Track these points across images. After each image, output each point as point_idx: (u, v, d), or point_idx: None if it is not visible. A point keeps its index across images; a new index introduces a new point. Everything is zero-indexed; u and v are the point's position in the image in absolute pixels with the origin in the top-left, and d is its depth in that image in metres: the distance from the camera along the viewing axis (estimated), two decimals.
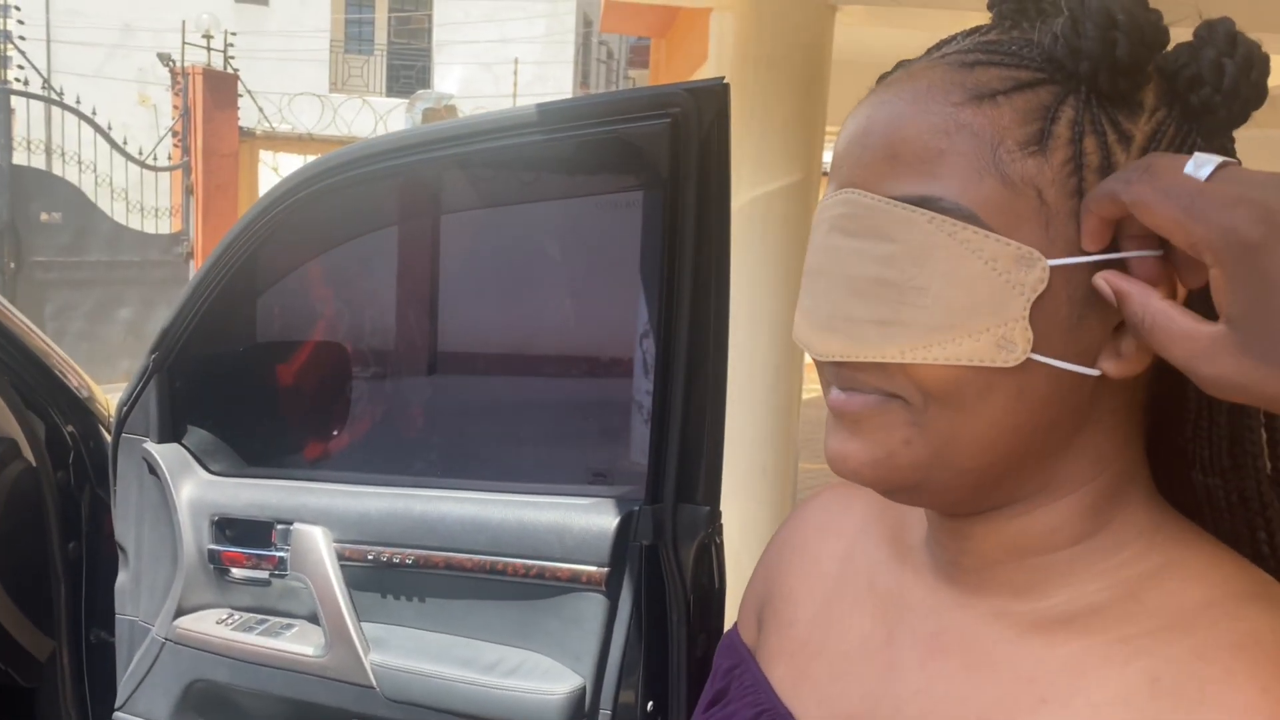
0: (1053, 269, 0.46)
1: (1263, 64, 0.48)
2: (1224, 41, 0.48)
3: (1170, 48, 0.49)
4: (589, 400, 1.83)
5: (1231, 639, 0.44)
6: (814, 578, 0.65)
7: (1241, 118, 0.49)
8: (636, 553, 1.25)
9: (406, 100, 12.62)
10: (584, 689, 1.27)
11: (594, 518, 1.28)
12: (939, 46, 0.53)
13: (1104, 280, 0.46)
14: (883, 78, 0.53)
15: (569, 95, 15.97)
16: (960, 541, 0.54)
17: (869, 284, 0.48)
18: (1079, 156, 0.47)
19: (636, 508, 1.26)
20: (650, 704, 1.22)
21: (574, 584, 1.28)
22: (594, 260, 1.74)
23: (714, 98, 1.15)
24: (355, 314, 1.93)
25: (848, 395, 0.51)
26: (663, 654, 1.23)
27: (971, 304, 0.46)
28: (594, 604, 1.28)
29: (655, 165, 1.20)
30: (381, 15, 17.26)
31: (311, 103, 11.57)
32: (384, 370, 1.94)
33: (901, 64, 0.53)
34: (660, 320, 1.22)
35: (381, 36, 17.28)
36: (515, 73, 14.42)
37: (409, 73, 16.85)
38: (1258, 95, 0.48)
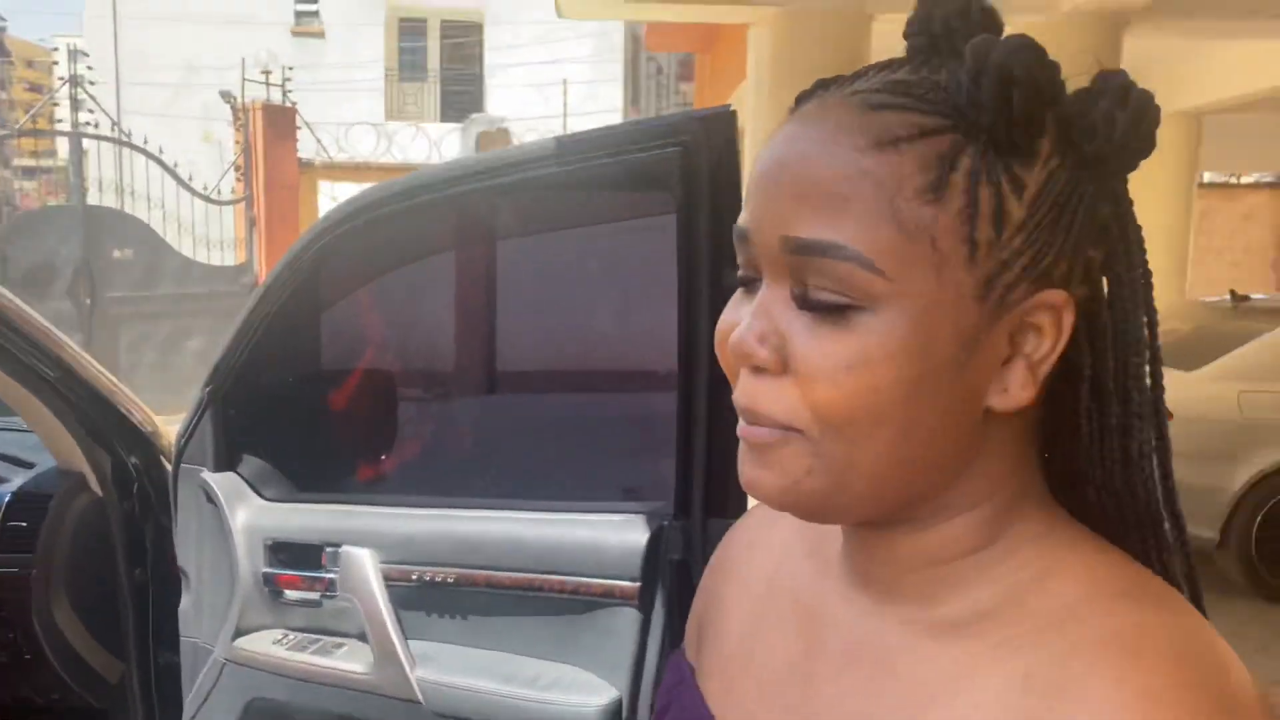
0: (942, 313, 0.49)
1: (1154, 116, 0.50)
2: (1117, 93, 0.50)
3: (1070, 92, 0.50)
4: (629, 415, 1.85)
5: (1099, 635, 0.46)
6: (744, 595, 0.68)
7: (1131, 166, 0.51)
8: (668, 567, 1.29)
9: (460, 125, 12.82)
10: (620, 701, 1.30)
11: (626, 534, 1.32)
12: (853, 78, 0.53)
13: None
14: (801, 98, 0.55)
15: (619, 112, 16.07)
16: (870, 551, 0.57)
17: None
18: (974, 205, 0.49)
19: (665, 523, 1.29)
20: None
21: (608, 599, 1.32)
22: (637, 280, 1.77)
23: (722, 124, 1.19)
24: (402, 338, 1.99)
25: (751, 428, 0.53)
26: None
27: None
28: (627, 618, 1.31)
29: (672, 191, 1.24)
30: (434, 42, 17.54)
31: (367, 131, 11.81)
32: (426, 393, 2.00)
33: (819, 85, 0.54)
34: (682, 338, 1.25)
35: (434, 63, 17.57)
36: (564, 93, 14.56)
37: (462, 97, 17.10)
38: (1147, 146, 0.50)
